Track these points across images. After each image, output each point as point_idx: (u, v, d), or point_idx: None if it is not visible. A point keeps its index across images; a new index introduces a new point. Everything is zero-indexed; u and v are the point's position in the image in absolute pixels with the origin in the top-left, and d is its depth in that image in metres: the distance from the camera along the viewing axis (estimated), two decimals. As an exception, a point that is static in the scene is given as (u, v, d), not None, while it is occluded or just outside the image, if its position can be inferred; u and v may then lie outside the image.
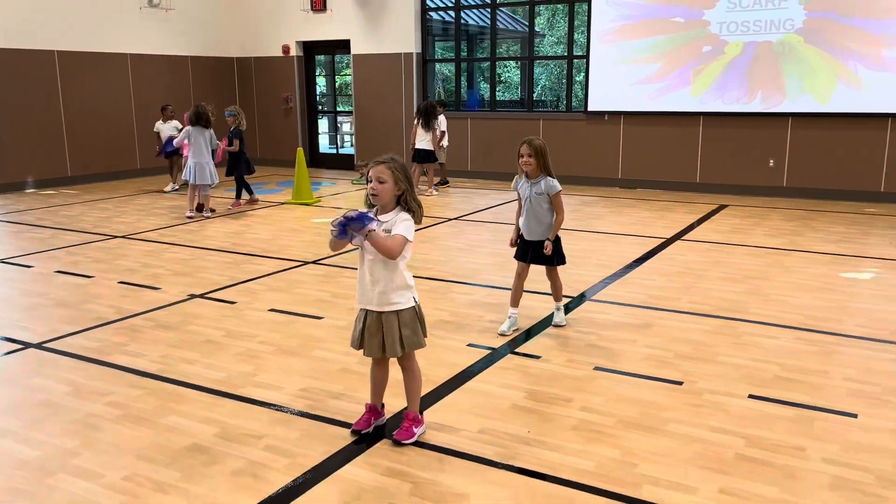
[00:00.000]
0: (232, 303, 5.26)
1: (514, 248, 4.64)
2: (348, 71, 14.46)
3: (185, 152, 8.91)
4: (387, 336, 3.10)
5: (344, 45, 13.00)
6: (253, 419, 3.40)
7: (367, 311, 3.13)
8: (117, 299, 5.36)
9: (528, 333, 4.57)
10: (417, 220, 3.09)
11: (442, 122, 10.63)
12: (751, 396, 3.62)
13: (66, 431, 3.29)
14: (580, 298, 5.32)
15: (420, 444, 3.15)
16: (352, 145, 13.85)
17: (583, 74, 11.14)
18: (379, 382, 3.30)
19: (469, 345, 4.35)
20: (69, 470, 2.96)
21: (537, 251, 4.48)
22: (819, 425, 3.32)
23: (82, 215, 8.81)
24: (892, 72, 9.12)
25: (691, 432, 3.25)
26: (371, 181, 3.02)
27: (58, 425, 3.36)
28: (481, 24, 15.22)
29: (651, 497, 2.75)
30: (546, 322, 4.75)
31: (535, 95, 13.41)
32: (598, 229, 7.99)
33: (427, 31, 12.52)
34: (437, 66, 12.56)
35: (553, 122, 11.44)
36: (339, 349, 4.26)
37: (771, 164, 10.02)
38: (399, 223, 3.02)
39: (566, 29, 12.04)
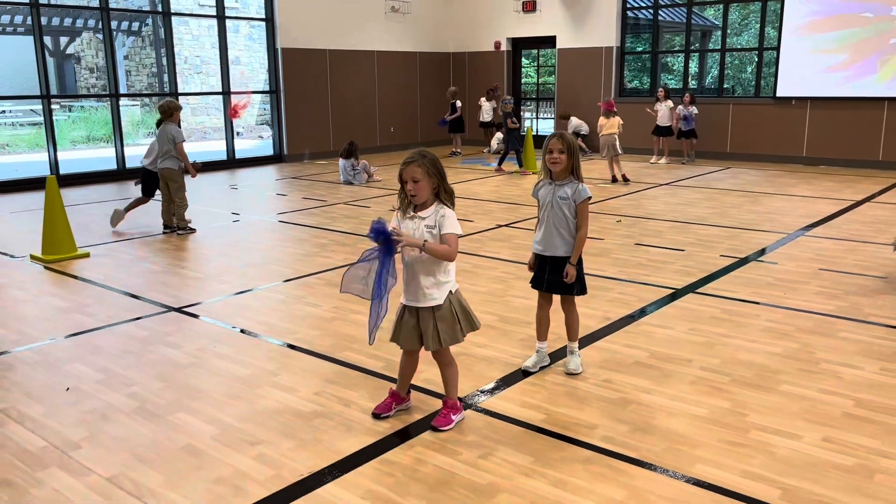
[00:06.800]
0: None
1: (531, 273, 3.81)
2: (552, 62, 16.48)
3: None
4: (424, 331, 3.09)
5: (549, 41, 15.09)
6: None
7: (405, 305, 3.15)
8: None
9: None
10: (453, 208, 3.09)
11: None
12: (939, 285, 5.35)
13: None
14: (796, 234, 7.09)
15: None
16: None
17: (774, 65, 12.60)
18: (407, 373, 3.30)
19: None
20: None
21: (555, 273, 3.63)
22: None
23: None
24: None
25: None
26: (406, 182, 2.99)
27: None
28: (664, 19, 16.80)
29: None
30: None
31: (709, 83, 14.82)
32: (794, 193, 9.60)
33: (625, 27, 14.35)
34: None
35: (741, 107, 12.98)
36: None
37: (952, 144, 11.12)
38: (445, 222, 3.00)
39: (756, 24, 13.44)
